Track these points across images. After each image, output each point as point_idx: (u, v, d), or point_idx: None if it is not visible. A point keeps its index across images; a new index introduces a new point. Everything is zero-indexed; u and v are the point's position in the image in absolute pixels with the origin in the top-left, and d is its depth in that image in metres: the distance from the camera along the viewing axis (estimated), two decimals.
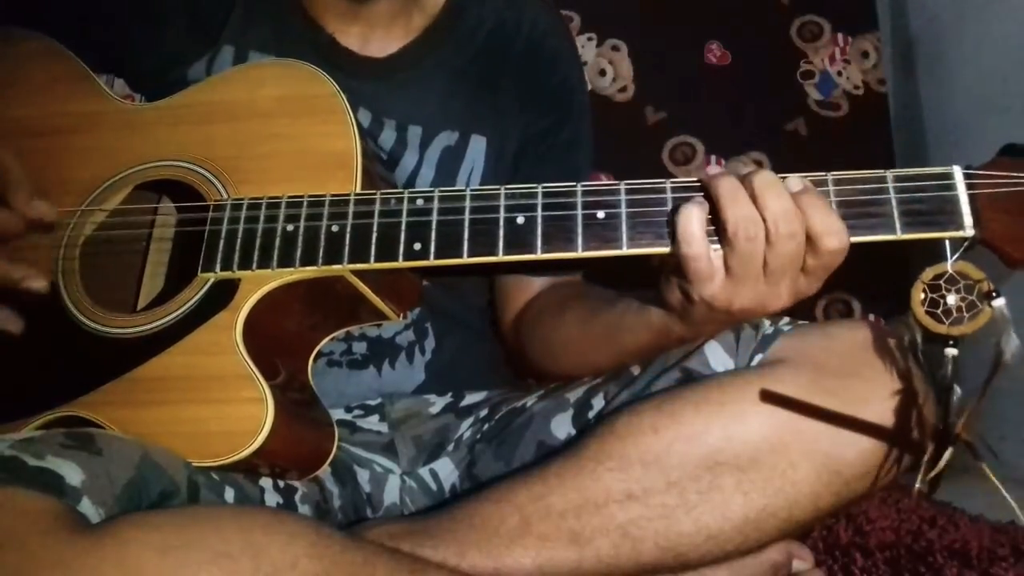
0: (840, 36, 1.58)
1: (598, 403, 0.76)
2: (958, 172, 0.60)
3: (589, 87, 1.51)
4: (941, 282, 0.57)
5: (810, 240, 0.59)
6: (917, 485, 0.57)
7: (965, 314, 0.56)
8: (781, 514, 0.64)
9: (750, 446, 0.64)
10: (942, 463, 0.56)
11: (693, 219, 0.60)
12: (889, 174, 0.61)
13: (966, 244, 0.59)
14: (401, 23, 0.88)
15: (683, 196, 0.63)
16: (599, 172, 1.36)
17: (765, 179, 0.60)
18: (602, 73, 1.57)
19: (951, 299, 0.56)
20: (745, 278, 0.61)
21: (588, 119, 0.96)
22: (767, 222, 0.59)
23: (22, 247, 0.73)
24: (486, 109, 0.89)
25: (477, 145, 0.88)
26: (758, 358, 0.69)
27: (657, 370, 0.74)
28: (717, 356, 0.71)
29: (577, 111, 0.94)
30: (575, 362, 0.80)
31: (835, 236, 0.59)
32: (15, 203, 0.71)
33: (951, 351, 0.56)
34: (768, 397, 0.64)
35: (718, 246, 0.61)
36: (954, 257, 0.58)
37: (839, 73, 1.57)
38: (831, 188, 0.62)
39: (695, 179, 0.64)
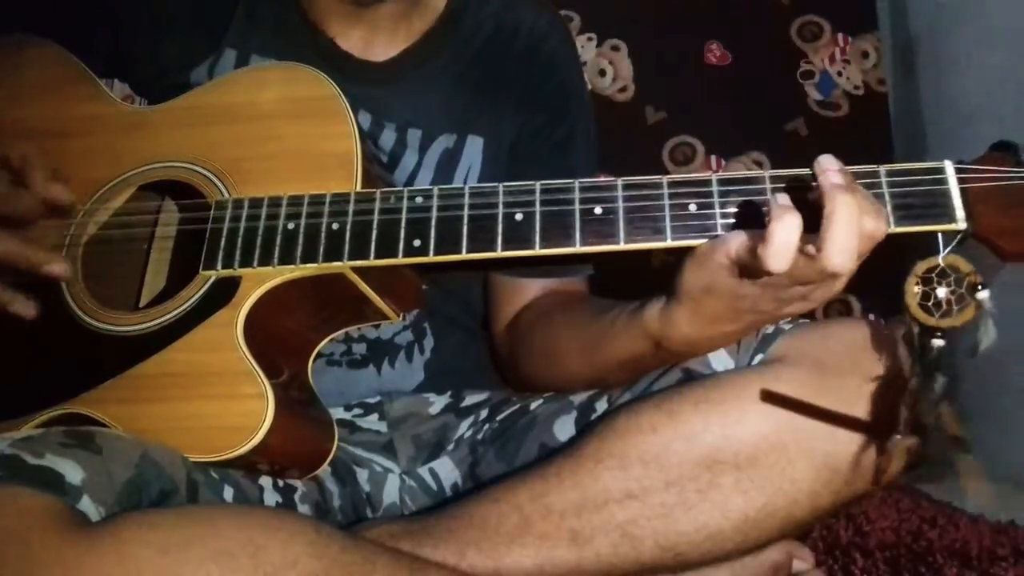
0: (840, 36, 1.59)
1: (601, 406, 0.76)
2: (949, 167, 0.61)
3: (589, 87, 1.51)
4: (933, 275, 0.57)
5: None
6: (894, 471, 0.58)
7: (954, 307, 0.56)
8: (780, 513, 0.64)
9: (749, 445, 0.64)
10: (903, 446, 0.56)
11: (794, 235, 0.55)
12: (882, 168, 0.61)
13: (958, 238, 0.59)
14: (402, 27, 0.88)
15: (680, 193, 0.63)
16: (599, 172, 1.36)
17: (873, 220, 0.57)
18: (602, 73, 1.57)
19: (941, 292, 0.57)
20: (792, 298, 0.61)
21: (588, 122, 0.95)
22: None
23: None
24: (484, 111, 0.89)
25: (474, 145, 0.89)
26: (758, 358, 0.69)
27: (658, 371, 0.74)
28: (717, 356, 0.71)
29: (574, 112, 0.93)
30: (563, 372, 0.79)
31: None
32: (33, 184, 0.71)
33: (938, 342, 0.57)
34: (767, 396, 0.64)
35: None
36: (946, 251, 0.58)
37: (839, 73, 1.57)
38: None
39: (789, 171, 0.61)
